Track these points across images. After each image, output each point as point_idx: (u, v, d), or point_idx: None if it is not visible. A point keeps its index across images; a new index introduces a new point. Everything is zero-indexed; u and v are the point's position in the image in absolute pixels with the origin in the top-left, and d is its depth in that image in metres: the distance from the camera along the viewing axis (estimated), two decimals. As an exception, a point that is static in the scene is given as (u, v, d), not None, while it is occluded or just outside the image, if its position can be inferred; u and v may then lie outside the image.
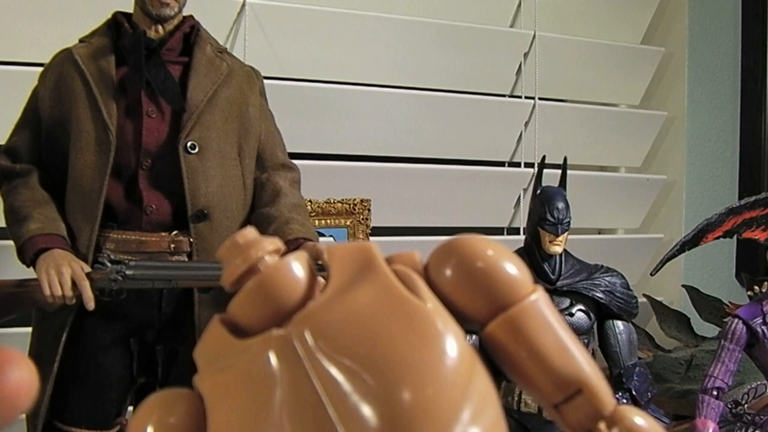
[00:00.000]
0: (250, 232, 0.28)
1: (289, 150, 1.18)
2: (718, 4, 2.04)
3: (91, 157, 1.02)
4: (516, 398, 1.09)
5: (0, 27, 1.34)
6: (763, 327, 1.11)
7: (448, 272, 0.27)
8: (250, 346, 0.25)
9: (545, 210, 1.11)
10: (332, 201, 1.51)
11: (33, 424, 1.01)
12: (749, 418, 1.17)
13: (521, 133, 1.82)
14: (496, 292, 0.27)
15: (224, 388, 0.25)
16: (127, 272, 0.99)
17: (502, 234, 1.83)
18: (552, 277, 1.11)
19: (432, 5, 1.74)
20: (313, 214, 1.46)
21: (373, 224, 1.55)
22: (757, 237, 1.16)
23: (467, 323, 0.27)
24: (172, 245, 1.04)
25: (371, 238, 1.53)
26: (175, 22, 1.08)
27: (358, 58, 1.63)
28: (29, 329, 1.06)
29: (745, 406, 1.20)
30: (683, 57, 2.01)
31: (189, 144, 1.04)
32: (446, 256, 0.28)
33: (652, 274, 1.24)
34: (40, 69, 1.10)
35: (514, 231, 1.82)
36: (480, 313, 0.27)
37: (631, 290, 1.16)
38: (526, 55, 1.81)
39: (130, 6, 1.08)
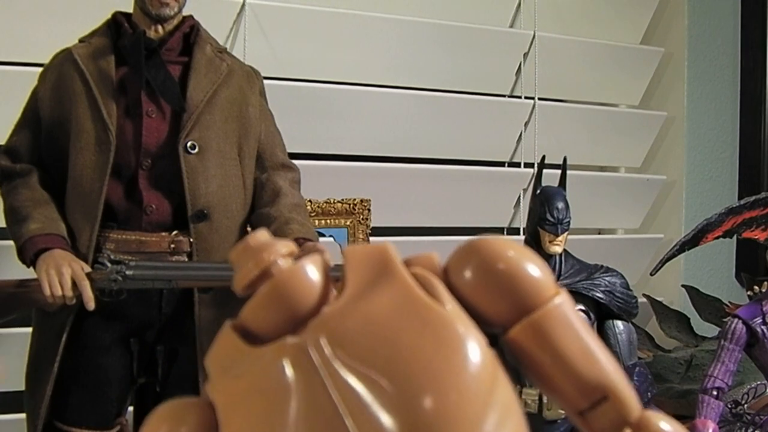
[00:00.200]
0: (263, 234, 0.27)
1: (289, 150, 1.18)
2: (718, 4, 2.04)
3: (91, 157, 1.02)
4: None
5: (0, 27, 1.34)
6: (762, 327, 1.11)
7: (468, 274, 0.26)
8: (264, 354, 0.24)
9: (545, 210, 1.11)
10: (332, 201, 1.51)
11: (33, 424, 1.01)
12: (749, 418, 1.17)
13: (521, 133, 1.82)
14: (519, 295, 0.26)
15: (237, 398, 0.24)
16: (127, 272, 0.99)
17: (502, 234, 1.83)
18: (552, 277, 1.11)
19: (432, 5, 1.74)
20: (313, 214, 1.46)
21: (373, 224, 1.55)
22: (756, 237, 1.16)
23: (488, 327, 0.26)
24: (172, 245, 1.04)
25: (371, 239, 1.53)
26: (175, 22, 1.08)
27: (358, 59, 1.63)
28: (29, 329, 1.06)
29: (745, 406, 1.20)
30: (683, 57, 2.01)
31: (189, 144, 1.04)
32: (466, 258, 0.27)
33: (651, 274, 1.24)
34: (40, 69, 1.10)
35: (514, 231, 1.82)
36: (502, 316, 0.26)
37: (630, 290, 1.16)
38: (525, 55, 1.81)
39: (130, 6, 1.08)
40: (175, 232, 1.04)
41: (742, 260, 1.98)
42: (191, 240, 1.04)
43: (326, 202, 1.51)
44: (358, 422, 0.22)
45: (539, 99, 1.81)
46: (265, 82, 1.18)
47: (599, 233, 2.03)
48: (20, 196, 1.03)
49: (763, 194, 1.17)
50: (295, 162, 1.17)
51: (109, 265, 1.00)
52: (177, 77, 1.06)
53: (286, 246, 0.27)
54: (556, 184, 1.17)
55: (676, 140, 2.03)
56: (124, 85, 1.05)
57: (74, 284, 0.96)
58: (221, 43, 1.21)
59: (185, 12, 1.10)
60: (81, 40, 1.08)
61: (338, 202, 1.52)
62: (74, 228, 1.03)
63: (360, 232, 1.53)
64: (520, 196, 1.80)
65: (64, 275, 0.96)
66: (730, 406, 1.18)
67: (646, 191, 1.98)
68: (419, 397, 0.22)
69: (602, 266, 1.16)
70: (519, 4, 1.83)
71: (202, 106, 1.05)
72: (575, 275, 1.13)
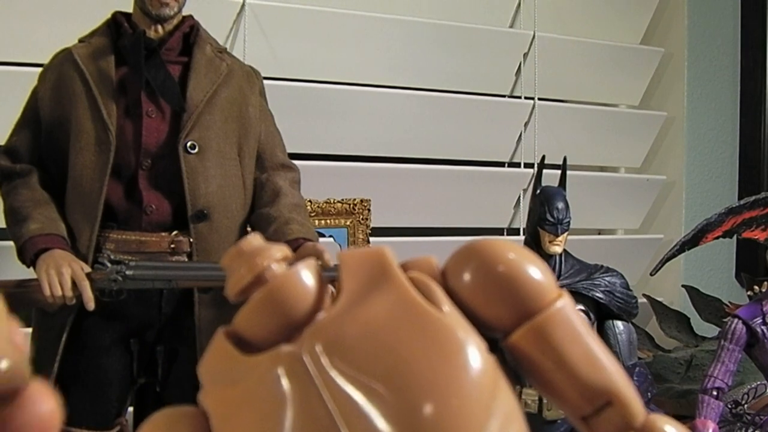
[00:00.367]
0: (256, 239, 0.26)
1: (289, 150, 1.18)
2: (718, 4, 2.04)
3: (91, 157, 1.02)
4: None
5: (0, 27, 1.34)
6: (762, 327, 1.11)
7: (467, 278, 0.25)
8: (259, 363, 0.23)
9: (545, 210, 1.11)
10: (332, 201, 1.51)
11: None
12: (749, 418, 1.17)
13: (521, 133, 1.82)
14: (520, 299, 0.25)
15: (231, 408, 0.23)
16: (127, 272, 0.99)
17: (502, 234, 1.83)
18: (552, 277, 1.11)
19: (432, 5, 1.74)
20: (313, 214, 1.46)
21: (373, 224, 1.55)
22: (756, 237, 1.16)
23: (488, 332, 0.25)
24: (172, 245, 1.04)
25: (371, 239, 1.53)
26: (175, 22, 1.08)
27: (357, 59, 1.63)
28: (29, 329, 1.06)
29: (745, 406, 1.20)
30: (683, 57, 2.01)
31: (189, 144, 1.04)
32: (465, 261, 0.26)
33: (651, 274, 1.24)
34: (40, 69, 1.10)
35: (514, 231, 1.82)
36: (503, 321, 0.25)
37: (630, 290, 1.16)
38: (525, 55, 1.81)
39: (129, 6, 1.08)
40: (175, 232, 1.04)
41: (742, 260, 1.98)
42: (191, 240, 1.03)
43: (326, 202, 1.51)
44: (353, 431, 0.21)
45: (539, 99, 1.81)
46: (265, 82, 1.18)
47: (599, 233, 2.03)
48: (20, 196, 1.03)
49: (763, 194, 1.17)
50: (295, 162, 1.17)
51: (109, 265, 0.99)
52: (177, 77, 1.06)
53: (280, 250, 0.26)
54: (556, 184, 1.17)
55: (676, 140, 2.03)
56: (124, 85, 1.05)
57: (74, 284, 0.96)
58: (221, 43, 1.21)
59: (185, 12, 1.10)
60: (81, 40, 1.08)
61: (338, 202, 1.52)
62: (74, 228, 1.03)
63: (360, 232, 1.53)
64: (520, 197, 1.80)
65: (64, 275, 0.96)
66: (730, 406, 1.18)
67: (646, 191, 1.98)
68: (419, 405, 0.22)
69: (602, 266, 1.16)
70: (519, 4, 1.83)
71: (202, 106, 1.05)
72: (575, 275, 1.13)
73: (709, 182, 2.04)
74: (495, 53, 1.77)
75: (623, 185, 1.96)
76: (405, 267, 0.26)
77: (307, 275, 0.25)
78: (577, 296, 1.12)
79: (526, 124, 1.81)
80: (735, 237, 1.18)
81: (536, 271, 0.26)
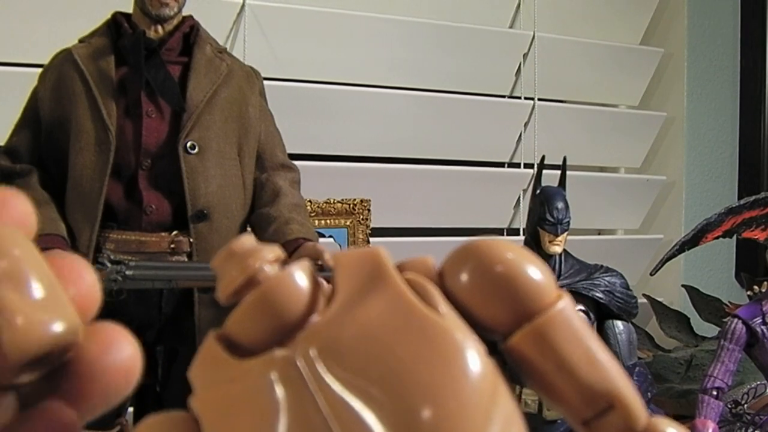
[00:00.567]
0: (248, 239, 0.25)
1: (289, 150, 1.18)
2: (718, 4, 2.04)
3: (91, 157, 1.02)
4: (515, 398, 1.09)
5: (0, 27, 1.34)
6: (762, 327, 1.11)
7: (465, 278, 0.24)
8: (251, 368, 0.23)
9: (545, 210, 1.11)
10: (332, 201, 1.51)
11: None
12: (749, 418, 1.17)
13: (521, 133, 1.82)
14: (519, 300, 0.24)
15: (223, 414, 0.22)
16: (127, 272, 0.99)
17: (502, 234, 1.84)
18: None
19: (431, 6, 1.74)
20: (312, 215, 1.46)
21: (373, 224, 1.55)
22: (756, 237, 1.16)
23: (487, 334, 0.25)
24: (172, 245, 1.04)
25: (371, 239, 1.53)
26: (175, 22, 1.09)
27: (357, 59, 1.64)
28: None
29: (745, 406, 1.20)
30: (682, 57, 2.01)
31: (189, 144, 1.04)
32: (462, 261, 0.25)
33: (651, 274, 1.24)
34: (40, 69, 1.10)
35: (514, 231, 1.82)
36: (501, 323, 0.25)
37: (630, 290, 1.16)
38: (525, 55, 1.81)
39: (130, 6, 1.08)
40: (175, 232, 1.04)
41: (742, 260, 1.98)
42: (191, 240, 1.04)
43: (326, 203, 1.51)
44: None
45: (539, 99, 1.81)
46: (265, 82, 1.18)
47: (599, 233, 2.03)
48: (20, 196, 1.03)
49: (763, 194, 1.16)
50: (296, 162, 1.17)
51: (109, 265, 0.99)
52: (177, 77, 1.06)
53: (273, 251, 0.25)
54: (555, 184, 1.17)
55: (676, 140, 2.03)
56: (124, 85, 1.05)
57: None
58: (221, 43, 1.21)
59: (185, 12, 1.10)
60: (81, 41, 1.08)
61: (338, 202, 1.52)
62: (74, 228, 1.03)
63: (360, 232, 1.53)
64: (519, 197, 1.81)
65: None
66: (730, 406, 1.18)
67: (646, 191, 1.98)
68: (416, 410, 0.21)
69: (602, 266, 1.16)
70: (519, 5, 1.83)
71: (202, 107, 1.05)
72: (575, 275, 1.13)
73: (709, 182, 2.04)
74: (495, 53, 1.77)
75: (623, 185, 1.96)
76: (401, 268, 0.25)
77: (300, 277, 0.24)
78: (577, 296, 1.12)
79: (525, 125, 1.81)
80: (735, 237, 1.18)
81: (536, 271, 0.25)
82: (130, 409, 1.12)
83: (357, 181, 1.58)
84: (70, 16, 1.34)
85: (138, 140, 1.03)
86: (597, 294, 1.12)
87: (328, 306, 0.24)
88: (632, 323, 1.17)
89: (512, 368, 0.25)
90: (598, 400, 0.24)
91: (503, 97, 1.83)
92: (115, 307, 1.02)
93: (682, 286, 1.87)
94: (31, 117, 1.07)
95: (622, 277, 1.16)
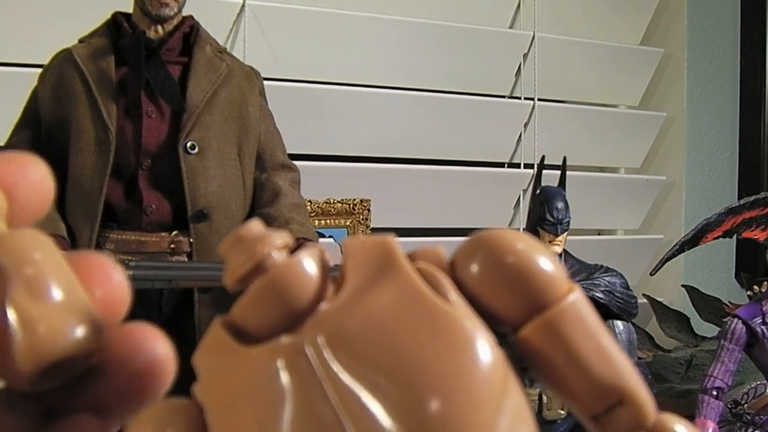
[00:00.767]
0: (256, 225, 0.25)
1: (289, 150, 1.18)
2: (718, 4, 2.04)
3: (91, 157, 1.02)
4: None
5: (0, 27, 1.34)
6: (762, 327, 1.11)
7: (475, 269, 0.24)
8: (257, 355, 0.22)
9: (545, 210, 1.11)
10: (332, 201, 1.51)
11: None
12: (749, 417, 1.17)
13: (521, 134, 1.82)
14: (531, 291, 0.24)
15: (228, 402, 0.22)
16: (127, 272, 0.99)
17: (502, 234, 1.83)
18: (552, 277, 1.11)
19: (431, 6, 1.74)
20: (312, 215, 1.46)
21: (373, 224, 1.55)
22: (756, 237, 1.16)
23: (497, 326, 0.24)
24: (172, 245, 1.04)
25: (371, 239, 1.53)
26: (175, 22, 1.09)
27: (357, 60, 1.64)
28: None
29: (745, 406, 1.20)
30: (682, 58, 2.01)
31: (189, 144, 1.04)
32: (473, 251, 0.24)
33: (651, 274, 1.24)
34: (40, 69, 1.10)
35: (514, 231, 1.81)
36: (512, 314, 0.24)
37: (630, 290, 1.16)
38: (525, 56, 1.81)
39: (129, 6, 1.08)
40: (175, 232, 1.05)
41: (742, 260, 1.98)
42: (191, 240, 1.04)
43: (326, 203, 1.51)
44: (360, 429, 0.20)
45: (539, 100, 1.81)
46: (265, 82, 1.18)
47: (599, 233, 2.03)
48: (20, 196, 1.03)
49: (763, 194, 1.17)
50: (295, 162, 1.17)
51: (109, 265, 0.99)
52: (177, 77, 1.06)
53: (281, 237, 0.24)
54: (555, 184, 1.17)
55: (676, 140, 2.03)
56: (124, 85, 1.05)
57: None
58: (221, 43, 1.21)
59: (185, 12, 1.10)
60: (81, 41, 1.08)
61: (338, 202, 1.52)
62: (74, 228, 1.03)
63: (360, 232, 1.53)
64: (519, 197, 1.80)
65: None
66: (730, 406, 1.18)
67: (645, 192, 1.98)
68: (425, 400, 0.21)
69: (602, 266, 1.16)
70: (518, 5, 1.83)
71: (202, 107, 1.05)
72: (575, 275, 1.13)
73: (709, 182, 2.04)
74: (495, 54, 1.77)
75: (623, 185, 1.96)
76: (412, 257, 0.25)
77: (309, 263, 0.23)
78: (577, 296, 1.12)
79: (525, 125, 1.81)
80: (735, 237, 1.18)
81: (547, 262, 0.24)
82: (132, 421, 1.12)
83: (357, 181, 1.58)
84: (70, 16, 1.34)
85: (138, 140, 1.03)
86: (597, 294, 1.12)
87: (337, 294, 0.23)
88: (632, 323, 1.17)
89: (517, 364, 0.25)
90: (608, 395, 0.24)
91: (503, 97, 1.83)
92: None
93: (682, 286, 1.87)
94: (31, 117, 1.07)
95: (622, 277, 1.16)
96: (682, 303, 1.89)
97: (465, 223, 1.75)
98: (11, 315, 0.18)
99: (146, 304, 1.04)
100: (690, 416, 1.15)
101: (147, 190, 1.04)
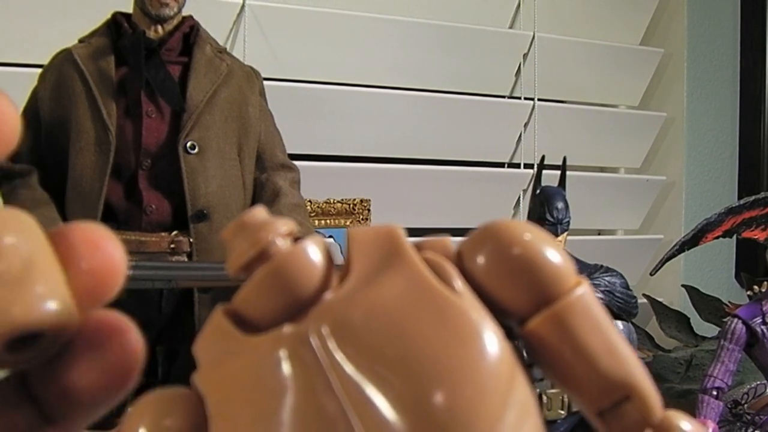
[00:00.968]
0: (260, 212, 0.24)
1: (289, 150, 1.18)
2: (717, 5, 2.04)
3: (91, 157, 1.02)
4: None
5: (0, 27, 1.34)
6: (762, 327, 1.11)
7: (483, 260, 0.23)
8: (260, 344, 0.22)
9: (545, 210, 1.11)
10: (332, 201, 1.51)
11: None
12: (749, 417, 1.17)
13: (521, 134, 1.82)
14: (538, 284, 0.23)
15: (229, 392, 0.22)
16: (127, 272, 0.99)
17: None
18: (552, 277, 1.10)
19: (431, 6, 1.74)
20: (312, 215, 1.46)
21: (373, 225, 1.55)
22: (756, 237, 1.16)
23: (505, 318, 0.24)
24: (172, 245, 1.04)
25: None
26: (175, 22, 1.09)
27: (357, 60, 1.64)
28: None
29: (745, 405, 1.20)
30: (682, 58, 2.01)
31: (189, 144, 1.04)
32: (480, 242, 0.24)
33: (651, 274, 1.24)
34: (40, 69, 1.10)
35: (514, 231, 1.81)
36: (520, 306, 0.24)
37: (630, 290, 1.16)
38: (525, 56, 1.81)
39: (129, 6, 1.08)
40: (174, 233, 1.05)
41: (742, 260, 1.98)
42: (191, 240, 1.04)
43: (326, 203, 1.51)
44: (364, 420, 0.20)
45: (539, 100, 1.81)
46: (265, 82, 1.18)
47: (599, 233, 2.03)
48: (20, 196, 1.03)
49: (763, 194, 1.16)
50: (295, 162, 1.17)
51: (108, 265, 0.99)
52: (177, 77, 1.06)
53: (286, 224, 0.24)
54: (555, 184, 1.17)
55: (676, 140, 2.03)
56: (124, 85, 1.05)
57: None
58: (221, 43, 1.21)
59: (185, 12, 1.10)
60: (81, 41, 1.08)
61: (338, 202, 1.52)
62: (74, 228, 1.03)
63: (360, 232, 1.52)
64: (519, 197, 1.80)
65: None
66: (730, 406, 1.18)
67: (645, 192, 1.98)
68: (430, 393, 0.20)
69: (602, 266, 1.16)
70: (518, 5, 1.83)
71: (202, 107, 1.05)
72: (575, 275, 1.13)
73: (709, 182, 2.04)
74: (495, 54, 1.77)
75: (623, 185, 1.96)
76: (419, 247, 0.24)
77: (314, 251, 0.23)
78: (577, 296, 1.12)
79: (525, 125, 1.81)
80: (735, 237, 1.18)
81: (555, 254, 0.24)
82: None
83: (357, 181, 1.58)
84: (70, 16, 1.34)
85: (138, 140, 1.04)
86: (597, 294, 1.12)
87: (342, 283, 0.23)
88: (632, 323, 1.17)
89: (522, 359, 0.24)
90: (615, 390, 0.23)
91: (503, 97, 1.83)
92: (115, 307, 1.02)
93: (682, 286, 1.87)
94: (31, 117, 1.07)
95: (622, 277, 1.16)
96: (682, 303, 1.89)
97: (465, 223, 1.75)
98: None
99: (146, 304, 1.04)
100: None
101: (147, 190, 1.04)
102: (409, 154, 1.71)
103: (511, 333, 0.24)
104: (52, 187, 1.05)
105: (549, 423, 1.09)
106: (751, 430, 1.16)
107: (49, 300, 0.19)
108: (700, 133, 2.03)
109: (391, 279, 0.22)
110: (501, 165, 1.86)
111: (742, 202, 1.16)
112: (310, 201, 1.45)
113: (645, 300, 1.81)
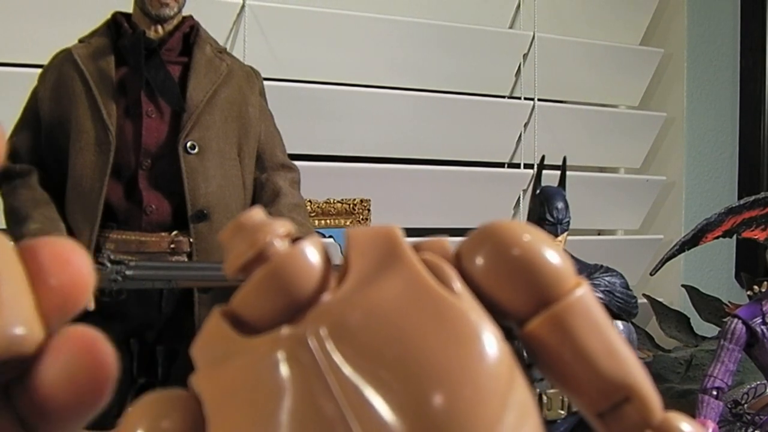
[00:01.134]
0: (257, 213, 0.24)
1: (289, 151, 1.18)
2: (717, 5, 2.04)
3: (91, 157, 1.02)
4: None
5: (0, 27, 1.34)
6: (762, 327, 1.11)
7: (482, 261, 0.23)
8: (257, 346, 0.21)
9: (545, 210, 1.11)
10: (332, 201, 1.51)
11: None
12: (749, 417, 1.17)
13: (521, 134, 1.82)
14: (537, 285, 0.23)
15: (226, 394, 0.21)
16: (127, 272, 0.99)
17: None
18: (552, 277, 1.10)
19: (431, 6, 1.74)
20: (312, 215, 1.46)
21: (373, 225, 1.55)
22: (756, 237, 1.16)
23: (504, 319, 0.24)
24: (172, 245, 1.04)
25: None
26: (175, 22, 1.09)
27: (357, 60, 1.64)
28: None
29: (745, 405, 1.20)
30: (682, 58, 2.01)
31: (189, 144, 1.04)
32: (479, 243, 0.24)
33: (651, 274, 1.24)
34: (40, 69, 1.10)
35: (514, 231, 1.81)
36: (518, 308, 0.23)
37: (630, 290, 1.16)
38: (525, 56, 1.81)
39: (129, 6, 1.08)
40: (174, 233, 1.05)
41: (742, 260, 1.98)
42: (191, 240, 1.04)
43: (326, 203, 1.51)
44: (363, 423, 0.20)
45: (539, 100, 1.81)
46: (265, 82, 1.18)
47: (599, 233, 2.03)
48: (20, 196, 1.03)
49: (763, 194, 1.17)
50: (295, 162, 1.17)
51: (109, 265, 1.00)
52: (177, 77, 1.06)
53: (283, 226, 0.24)
54: (555, 184, 1.17)
55: (676, 141, 2.03)
56: (124, 85, 1.05)
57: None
58: (221, 43, 1.21)
59: (185, 12, 1.10)
60: (81, 41, 1.08)
61: (338, 202, 1.52)
62: (74, 228, 1.03)
63: (360, 232, 1.53)
64: (519, 197, 1.80)
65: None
66: (730, 406, 1.18)
67: (645, 192, 1.98)
68: (429, 395, 0.20)
69: (602, 266, 1.16)
70: (518, 5, 1.83)
71: (202, 107, 1.05)
72: (575, 275, 1.13)
73: (709, 182, 2.04)
74: (495, 54, 1.77)
75: (623, 185, 1.96)
76: (417, 248, 0.24)
77: (312, 253, 0.23)
78: (577, 296, 1.11)
79: (525, 125, 1.81)
80: (735, 237, 1.18)
81: (554, 255, 0.24)
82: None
83: (357, 181, 1.58)
84: (70, 16, 1.34)
85: (138, 140, 1.04)
86: (597, 294, 1.12)
87: (340, 284, 0.23)
88: (632, 323, 1.17)
89: (522, 360, 0.24)
90: (615, 392, 0.23)
91: (503, 97, 1.83)
92: (115, 307, 1.02)
93: (682, 286, 1.87)
94: (31, 117, 1.07)
95: (622, 277, 1.16)
96: (682, 303, 1.89)
97: (465, 223, 1.75)
98: None
99: (146, 304, 1.04)
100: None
101: (147, 190, 1.04)
102: (409, 154, 1.71)
103: (510, 334, 0.24)
104: (52, 187, 1.05)
105: (549, 423, 1.09)
106: (751, 430, 1.16)
107: (14, 326, 0.18)
108: (700, 133, 2.03)
109: (389, 280, 0.22)
110: (501, 165, 1.86)
111: (742, 202, 1.17)
112: (310, 201, 1.45)
113: (645, 300, 1.81)
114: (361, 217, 1.53)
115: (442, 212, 1.72)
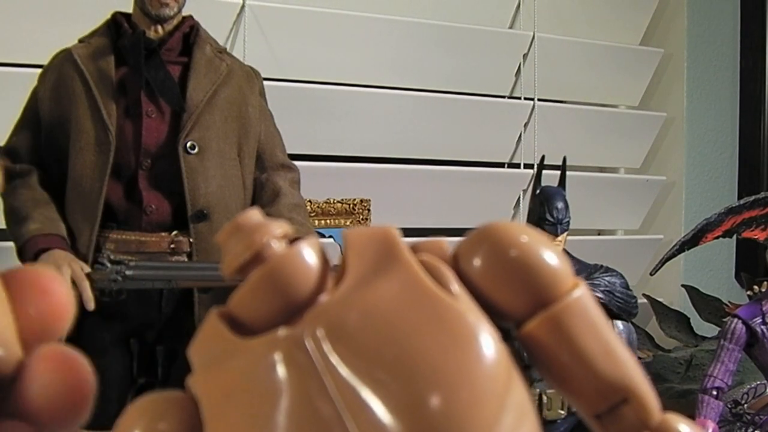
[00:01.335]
0: (255, 214, 0.24)
1: (289, 151, 1.18)
2: (717, 5, 2.04)
3: (91, 157, 1.02)
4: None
5: (0, 27, 1.34)
6: (762, 327, 1.11)
7: (479, 262, 0.23)
8: (254, 347, 0.21)
9: (545, 210, 1.11)
10: (332, 201, 1.51)
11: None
12: (749, 417, 1.17)
13: (521, 134, 1.82)
14: (535, 286, 0.23)
15: (223, 395, 0.21)
16: (127, 272, 0.99)
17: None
18: (552, 277, 1.10)
19: (431, 6, 1.74)
20: (312, 215, 1.46)
21: (372, 225, 1.55)
22: (756, 237, 1.16)
23: (501, 320, 0.24)
24: (172, 245, 1.04)
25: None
26: (175, 22, 1.09)
27: (357, 60, 1.64)
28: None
29: (745, 405, 1.20)
30: (682, 58, 2.01)
31: (189, 144, 1.04)
32: (476, 244, 0.24)
33: (651, 274, 1.24)
34: (40, 69, 1.10)
35: (514, 231, 1.81)
36: (516, 309, 0.23)
37: (630, 290, 1.16)
38: (525, 56, 1.81)
39: (130, 6, 1.08)
40: (174, 233, 1.05)
41: (742, 260, 1.98)
42: (191, 240, 1.04)
43: (326, 203, 1.51)
44: (360, 424, 0.20)
45: (539, 100, 1.81)
46: (265, 82, 1.18)
47: (599, 233, 2.03)
48: (20, 196, 1.03)
49: (762, 194, 1.16)
50: (295, 162, 1.17)
51: (109, 265, 1.00)
52: (177, 77, 1.06)
53: (280, 227, 0.24)
54: (555, 184, 1.17)
55: (676, 141, 2.03)
56: (124, 85, 1.05)
57: (74, 284, 0.97)
58: (221, 43, 1.21)
59: (185, 12, 1.10)
60: (81, 41, 1.08)
61: (338, 202, 1.52)
62: (74, 228, 1.03)
63: (360, 232, 1.52)
64: (519, 197, 1.81)
65: (63, 275, 0.96)
66: (730, 405, 1.18)
67: (645, 192, 1.98)
68: (426, 397, 0.20)
69: (602, 266, 1.16)
70: (518, 5, 1.83)
71: (202, 107, 1.05)
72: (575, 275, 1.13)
73: (709, 182, 2.04)
74: (494, 54, 1.77)
75: (623, 185, 1.96)
76: (415, 249, 0.24)
77: (309, 254, 0.23)
78: (577, 296, 1.11)
79: (525, 125, 1.81)
80: (735, 237, 1.18)
81: (552, 256, 0.23)
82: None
83: (357, 181, 1.58)
84: (70, 16, 1.34)
85: (138, 140, 1.04)
86: (597, 294, 1.12)
87: (337, 285, 0.23)
88: (632, 323, 1.17)
89: (521, 361, 0.24)
90: (612, 393, 0.23)
91: (503, 97, 1.83)
92: (115, 307, 1.02)
93: (682, 286, 1.87)
94: (31, 117, 1.07)
95: (622, 277, 1.16)
96: (682, 303, 1.89)
97: (465, 223, 1.75)
98: None
99: (146, 304, 1.04)
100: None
101: (147, 190, 1.04)
102: (409, 154, 1.71)
103: (508, 335, 0.24)
104: (52, 187, 1.05)
105: (549, 423, 1.09)
106: (751, 430, 1.16)
107: None
108: (700, 133, 2.03)
109: (386, 281, 0.22)
110: (501, 165, 1.86)
111: (742, 202, 1.16)
112: (310, 201, 1.45)
113: (645, 300, 1.81)
114: (361, 217, 1.53)
115: (442, 212, 1.72)
